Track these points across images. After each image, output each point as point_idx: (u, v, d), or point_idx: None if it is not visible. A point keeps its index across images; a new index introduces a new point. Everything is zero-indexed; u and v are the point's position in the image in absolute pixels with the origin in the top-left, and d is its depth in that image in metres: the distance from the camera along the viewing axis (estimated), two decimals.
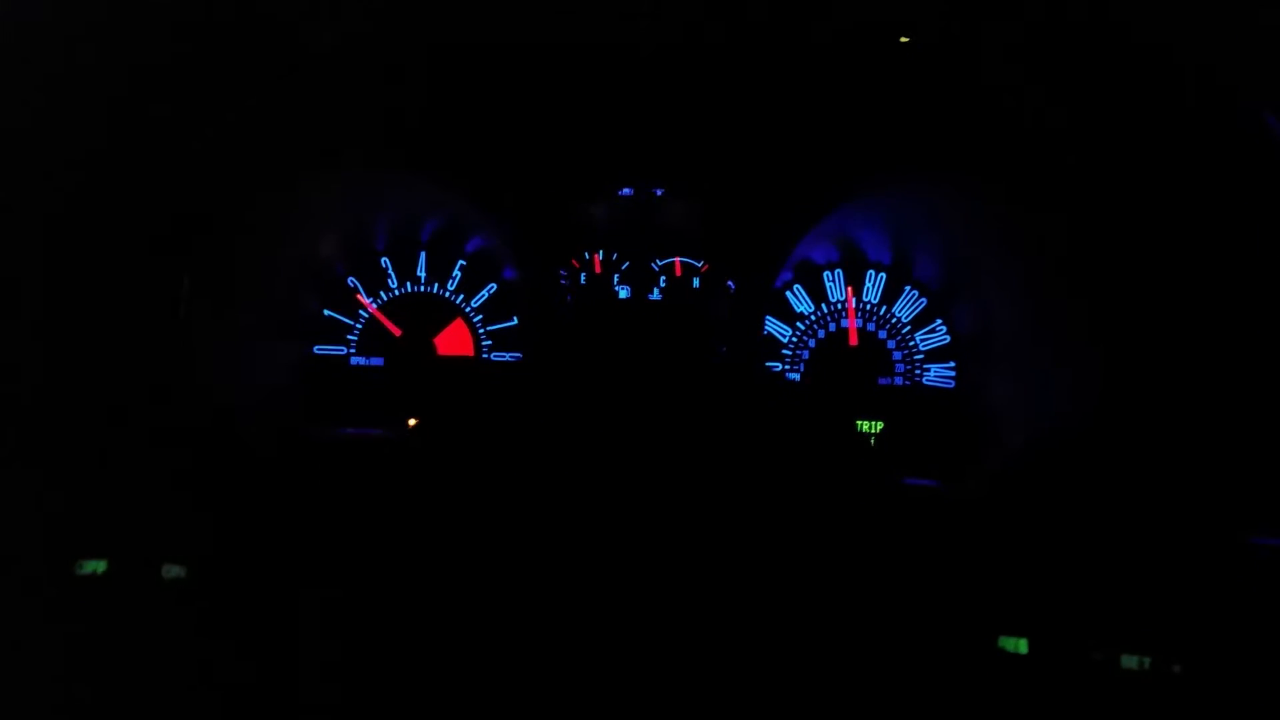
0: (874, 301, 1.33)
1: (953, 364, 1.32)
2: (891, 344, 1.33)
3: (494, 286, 1.33)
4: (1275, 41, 0.94)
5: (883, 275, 1.32)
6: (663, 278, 1.28)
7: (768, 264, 1.19)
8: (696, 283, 1.28)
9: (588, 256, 1.27)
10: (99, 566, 0.97)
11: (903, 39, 1.07)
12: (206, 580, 1.02)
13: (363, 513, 1.09)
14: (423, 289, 1.34)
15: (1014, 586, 0.96)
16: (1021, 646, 0.88)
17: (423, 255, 1.34)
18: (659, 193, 1.24)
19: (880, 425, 1.33)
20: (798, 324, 1.33)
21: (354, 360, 1.36)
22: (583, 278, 1.28)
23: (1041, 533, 1.01)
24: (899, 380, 1.33)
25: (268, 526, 1.05)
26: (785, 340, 1.33)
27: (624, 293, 1.29)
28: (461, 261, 1.33)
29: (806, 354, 1.33)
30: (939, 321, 1.32)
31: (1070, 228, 1.08)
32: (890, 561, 0.93)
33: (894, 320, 1.33)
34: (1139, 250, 1.04)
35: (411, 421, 1.34)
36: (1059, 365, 1.14)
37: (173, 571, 1.05)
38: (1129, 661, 0.86)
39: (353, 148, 1.14)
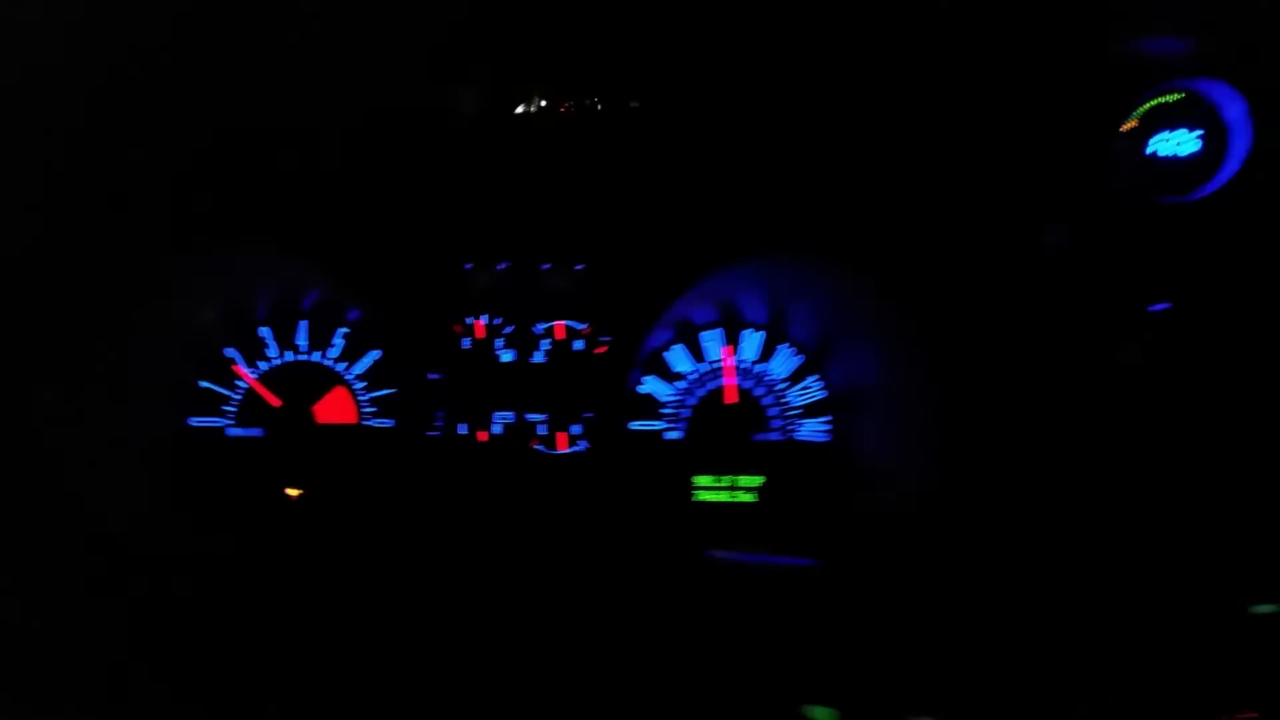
0: (751, 360, 1.38)
1: (828, 418, 1.38)
2: (768, 400, 1.38)
3: (378, 354, 1.33)
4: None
5: (760, 334, 1.37)
6: (546, 341, 1.31)
7: (642, 324, 1.23)
8: (580, 345, 1.31)
9: (470, 322, 1.29)
10: None
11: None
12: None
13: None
14: (303, 358, 1.34)
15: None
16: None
17: (303, 324, 1.34)
18: (542, 265, 1.27)
19: (760, 480, 1.38)
20: (677, 383, 1.38)
21: (230, 431, 1.34)
22: (465, 342, 1.29)
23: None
24: (775, 436, 1.38)
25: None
26: (665, 399, 1.37)
27: (507, 357, 1.31)
28: (343, 329, 1.34)
29: (686, 412, 1.37)
30: (814, 378, 1.38)
31: (918, 308, 1.16)
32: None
33: (770, 378, 1.38)
34: (976, 327, 1.12)
35: (291, 491, 1.33)
36: (919, 418, 1.21)
37: None
38: None
39: (214, 234, 1.14)
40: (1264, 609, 0.96)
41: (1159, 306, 1.11)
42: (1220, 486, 1.09)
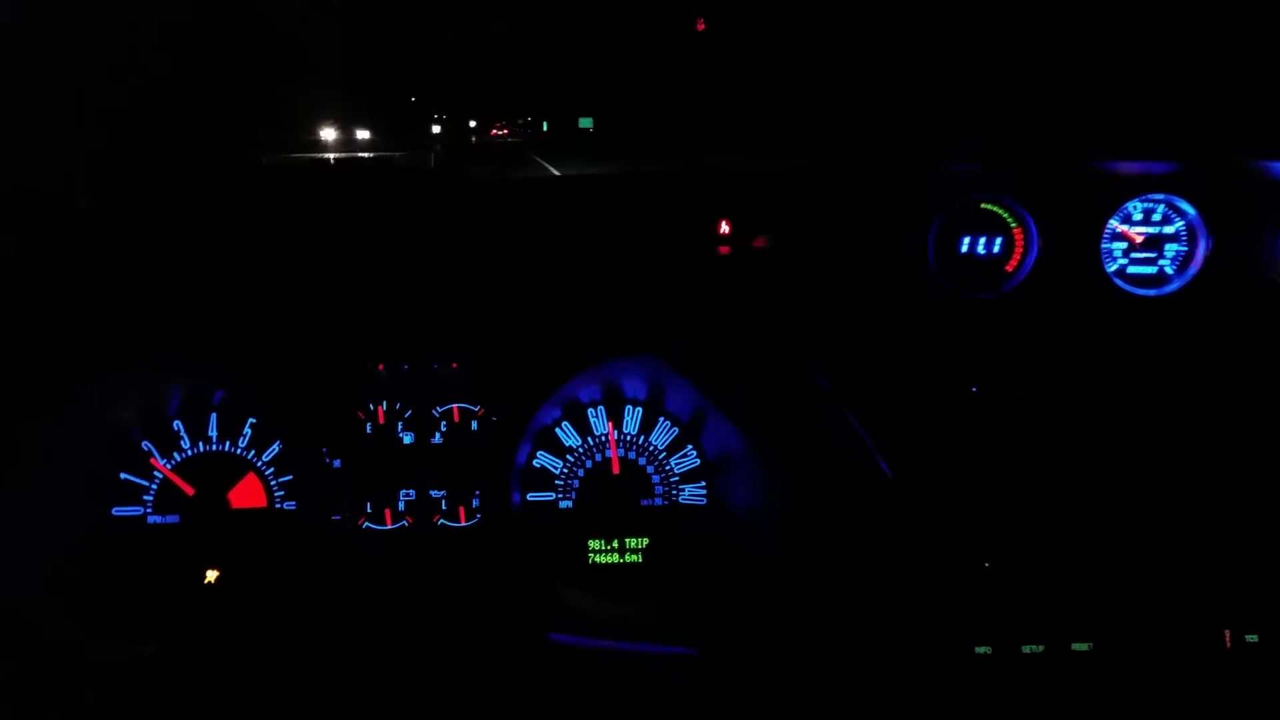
0: (633, 432, 1.51)
1: (703, 483, 1.52)
2: (650, 469, 1.52)
3: (281, 443, 1.44)
4: None
5: (639, 409, 1.51)
6: (443, 423, 1.43)
7: (530, 402, 1.35)
8: (475, 425, 1.43)
9: (372, 408, 1.40)
10: None
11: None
12: None
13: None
14: (215, 448, 1.44)
15: None
16: None
17: (214, 417, 1.44)
18: (435, 366, 1.39)
19: (646, 541, 1.51)
20: (567, 456, 1.50)
21: (151, 519, 1.43)
22: (368, 427, 1.41)
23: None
24: (659, 501, 1.51)
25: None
26: (557, 471, 1.50)
27: (408, 439, 1.42)
28: (251, 419, 1.44)
29: (576, 483, 1.50)
30: (690, 447, 1.52)
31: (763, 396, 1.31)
32: None
33: (651, 448, 1.52)
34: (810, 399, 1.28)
35: (211, 573, 1.42)
36: (772, 482, 1.35)
37: None
38: None
39: (120, 351, 1.24)
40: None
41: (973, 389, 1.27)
42: (1041, 548, 1.26)
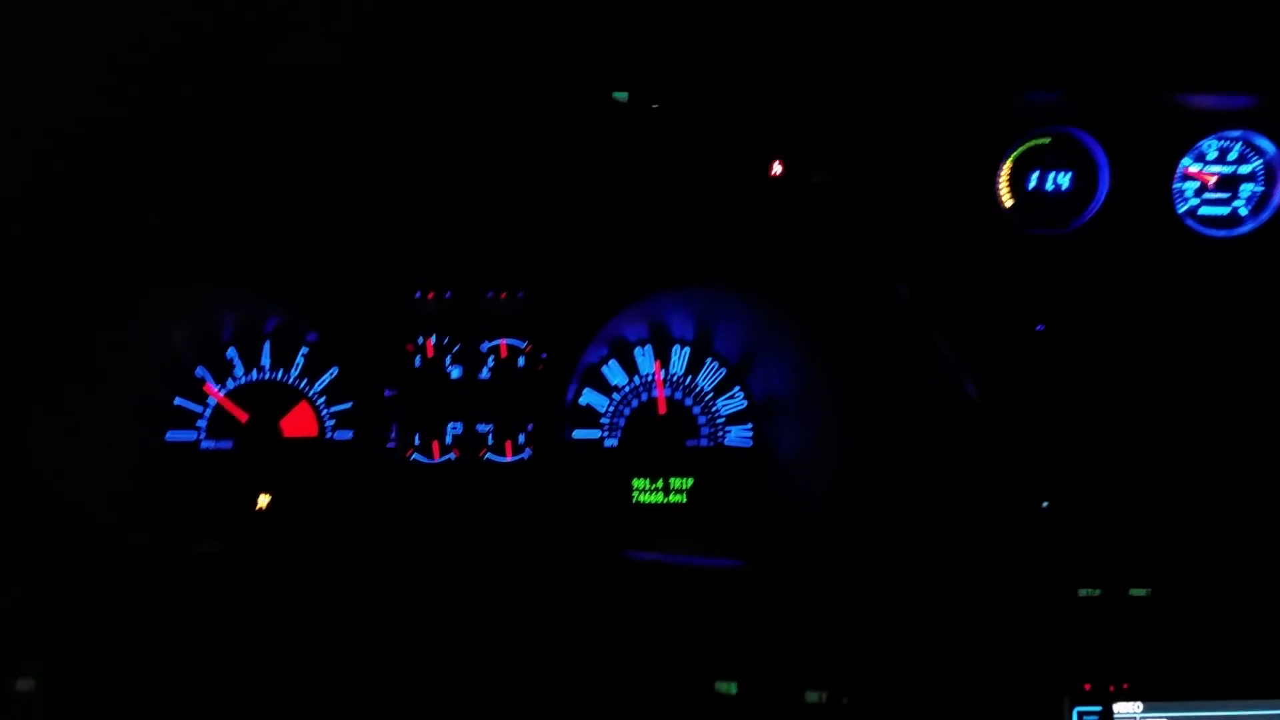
0: (680, 373, 1.50)
1: (750, 426, 1.50)
2: (696, 410, 1.50)
3: (335, 371, 1.45)
4: None
5: (687, 349, 1.50)
6: (491, 358, 1.42)
7: (576, 342, 1.35)
8: (522, 362, 1.43)
9: (420, 341, 1.41)
10: None
11: None
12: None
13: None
14: (268, 376, 1.46)
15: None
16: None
17: (267, 344, 1.45)
18: (485, 294, 1.38)
19: (691, 481, 1.51)
20: (613, 394, 1.50)
21: (204, 445, 1.45)
22: (417, 360, 1.41)
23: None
24: (704, 442, 1.50)
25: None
26: (603, 410, 1.50)
27: (456, 373, 1.42)
28: (304, 349, 1.45)
29: (622, 421, 1.50)
30: (737, 389, 1.50)
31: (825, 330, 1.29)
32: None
33: (698, 389, 1.50)
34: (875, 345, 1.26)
35: (262, 498, 1.44)
36: (828, 424, 1.34)
37: (25, 685, 1.11)
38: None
39: (177, 273, 1.26)
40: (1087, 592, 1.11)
41: (1039, 327, 1.24)
42: (1100, 490, 1.23)
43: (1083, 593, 1.14)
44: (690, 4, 1.22)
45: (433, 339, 1.41)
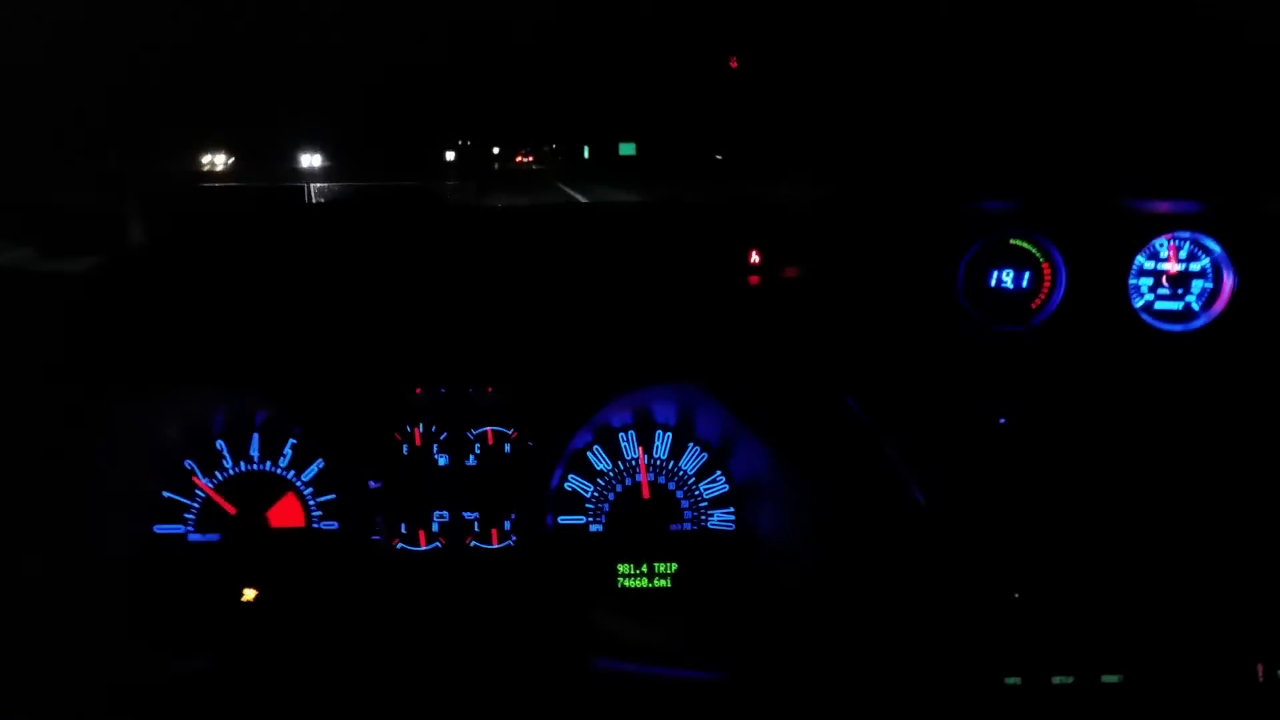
0: (663, 457, 1.54)
1: (732, 509, 1.54)
2: (680, 494, 1.54)
3: (321, 462, 1.47)
4: None
5: (669, 435, 1.54)
6: (477, 445, 1.45)
7: (564, 429, 1.38)
8: (508, 449, 1.46)
9: (409, 429, 1.43)
10: None
11: None
12: None
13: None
14: (256, 467, 1.48)
15: None
16: None
17: (255, 437, 1.47)
18: (470, 391, 1.43)
19: (675, 565, 1.53)
20: (598, 480, 1.53)
21: (191, 537, 1.46)
22: (404, 449, 1.44)
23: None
24: (688, 525, 1.53)
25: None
26: (588, 495, 1.53)
27: (443, 461, 1.45)
28: (292, 440, 1.47)
29: (607, 506, 1.53)
30: (719, 473, 1.54)
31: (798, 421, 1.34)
32: None
33: (681, 473, 1.54)
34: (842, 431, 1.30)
35: (249, 591, 1.45)
36: (805, 514, 1.37)
37: None
38: None
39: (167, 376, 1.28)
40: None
41: (1000, 420, 1.29)
42: (1069, 579, 1.27)
43: (1056, 680, 1.18)
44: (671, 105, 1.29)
45: (420, 428, 1.44)
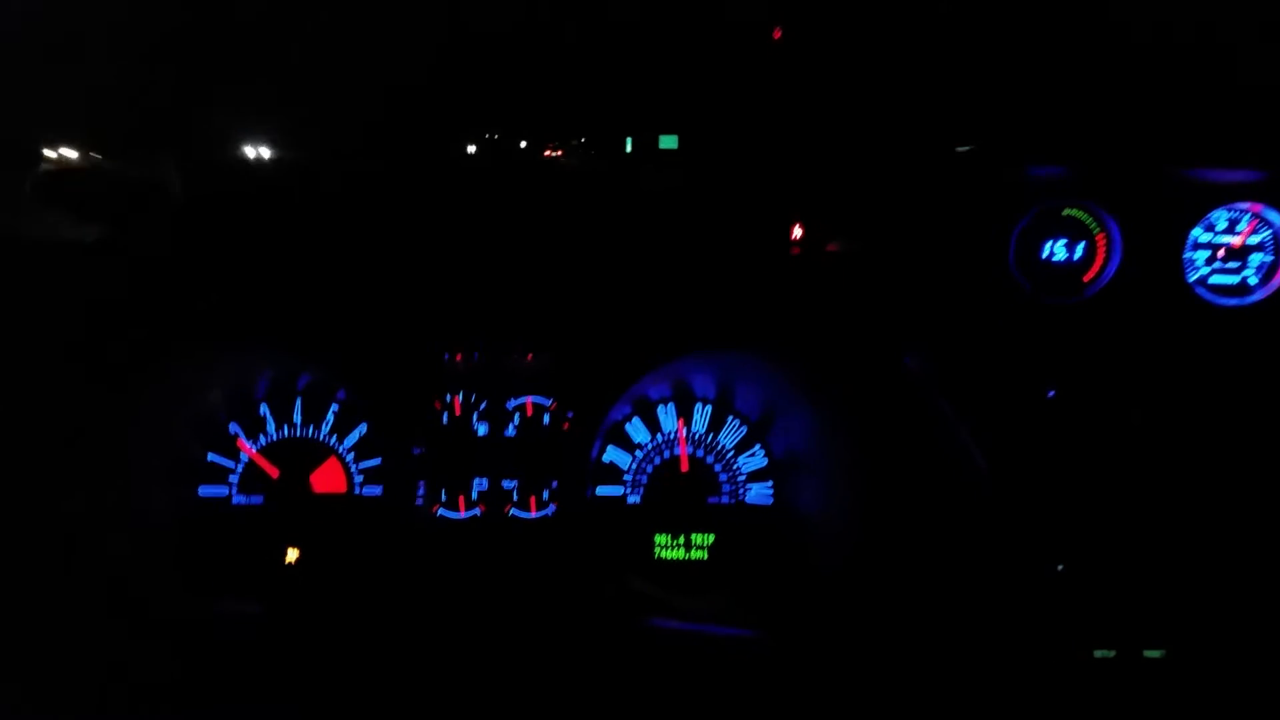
0: (702, 431, 1.53)
1: (770, 483, 1.53)
2: (718, 467, 1.53)
3: (364, 427, 1.48)
4: None
5: (709, 407, 1.53)
6: (516, 415, 1.46)
7: (603, 400, 1.38)
8: (547, 419, 1.46)
9: (449, 399, 1.44)
10: None
11: None
12: None
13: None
14: (299, 432, 1.49)
15: None
16: None
17: (299, 401, 1.49)
18: (512, 356, 1.42)
19: (712, 537, 1.53)
20: (636, 452, 1.53)
21: (235, 500, 1.49)
22: (445, 418, 1.44)
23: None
24: (725, 499, 1.53)
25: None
26: (625, 467, 1.53)
27: (482, 430, 1.46)
28: (335, 405, 1.49)
29: (644, 478, 1.53)
30: (758, 447, 1.53)
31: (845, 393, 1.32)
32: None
33: (719, 447, 1.53)
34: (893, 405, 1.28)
35: (291, 552, 1.47)
36: (848, 487, 1.36)
37: None
38: None
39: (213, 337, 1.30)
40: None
41: (1050, 394, 1.27)
42: (1114, 553, 1.25)
43: (1098, 654, 1.16)
44: (716, 75, 1.28)
45: (460, 396, 1.45)
